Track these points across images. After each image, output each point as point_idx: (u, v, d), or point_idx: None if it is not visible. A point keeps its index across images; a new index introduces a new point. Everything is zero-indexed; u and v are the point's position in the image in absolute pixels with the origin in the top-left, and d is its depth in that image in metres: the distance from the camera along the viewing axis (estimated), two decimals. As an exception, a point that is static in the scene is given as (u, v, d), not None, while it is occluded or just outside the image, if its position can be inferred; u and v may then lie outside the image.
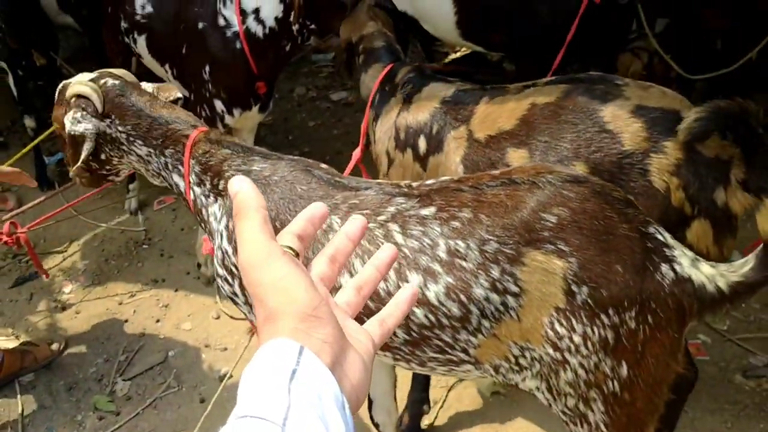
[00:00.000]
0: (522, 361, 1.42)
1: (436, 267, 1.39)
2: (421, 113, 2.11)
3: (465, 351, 1.44)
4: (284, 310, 0.60)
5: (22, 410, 2.70)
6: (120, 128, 1.79)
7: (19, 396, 2.75)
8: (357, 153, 2.38)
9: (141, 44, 3.10)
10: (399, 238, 1.43)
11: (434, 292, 1.39)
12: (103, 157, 1.86)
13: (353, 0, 2.61)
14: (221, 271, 1.67)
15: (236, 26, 2.77)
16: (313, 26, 2.76)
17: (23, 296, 3.32)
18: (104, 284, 3.33)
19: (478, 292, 1.37)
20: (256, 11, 2.75)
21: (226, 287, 1.69)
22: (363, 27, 2.48)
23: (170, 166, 1.76)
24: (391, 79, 2.29)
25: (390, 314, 0.73)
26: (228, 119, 2.97)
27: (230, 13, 2.79)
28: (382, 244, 1.41)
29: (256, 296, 0.61)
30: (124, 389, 2.75)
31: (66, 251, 3.58)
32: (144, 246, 3.56)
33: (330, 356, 0.59)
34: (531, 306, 1.35)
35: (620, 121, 1.74)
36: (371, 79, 2.37)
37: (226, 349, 2.87)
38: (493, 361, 1.45)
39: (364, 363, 0.64)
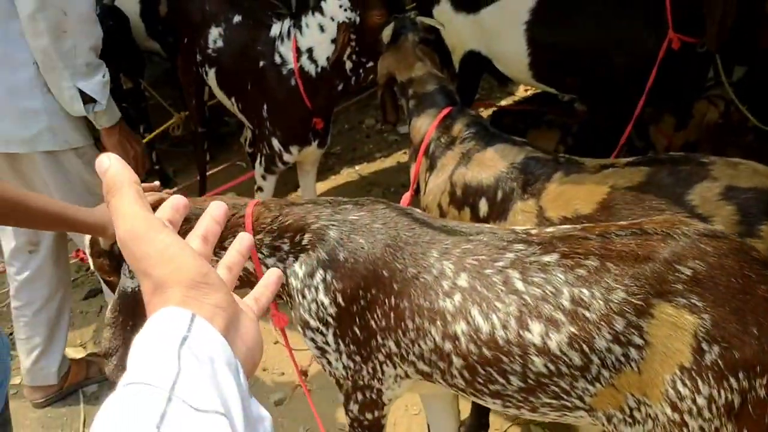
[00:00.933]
0: (636, 414, 1.37)
1: (559, 316, 1.35)
2: (485, 174, 2.01)
3: (581, 398, 1.40)
4: (172, 278, 0.59)
5: (84, 420, 2.79)
6: None
7: (82, 404, 2.85)
8: (407, 197, 2.31)
9: (211, 77, 3.24)
10: (520, 285, 1.39)
11: (556, 341, 1.35)
12: None
13: (396, 29, 2.47)
14: (314, 323, 1.61)
15: (291, 64, 2.87)
16: (371, 64, 2.82)
17: (93, 308, 3.45)
18: (170, 301, 3.42)
19: (601, 342, 1.33)
20: (310, 50, 2.84)
21: (319, 338, 1.62)
22: (411, 68, 2.35)
23: None
24: (448, 128, 2.18)
25: (262, 294, 0.75)
26: (287, 156, 3.06)
27: (286, 51, 2.89)
28: (502, 291, 1.40)
29: (140, 270, 0.60)
30: (181, 408, 2.80)
31: (135, 268, 3.70)
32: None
33: (223, 321, 0.59)
34: (653, 360, 1.30)
35: (710, 204, 1.64)
36: (424, 125, 2.26)
37: (283, 374, 2.89)
38: (607, 410, 1.40)
39: (255, 326, 0.65)
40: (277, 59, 2.91)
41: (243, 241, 0.77)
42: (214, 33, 3.16)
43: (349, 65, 2.84)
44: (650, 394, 1.32)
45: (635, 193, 1.74)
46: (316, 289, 1.58)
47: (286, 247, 1.62)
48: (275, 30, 2.97)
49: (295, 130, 3.01)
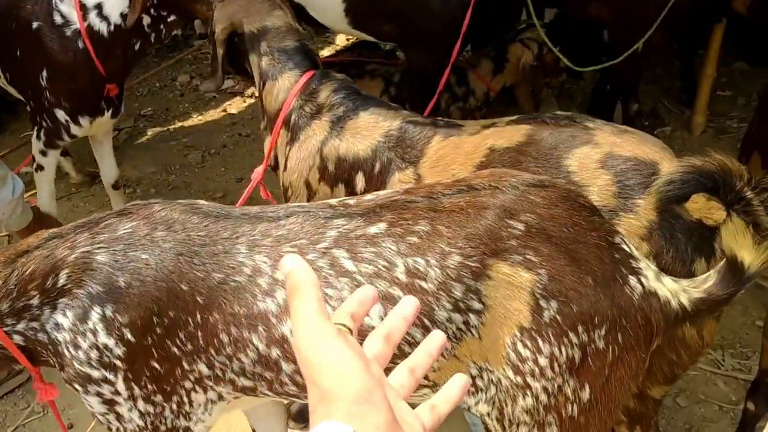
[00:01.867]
0: (479, 382, 1.31)
1: (396, 291, 1.25)
2: (360, 145, 1.83)
3: (426, 377, 1.30)
4: (338, 391, 0.60)
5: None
6: None
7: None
8: (259, 171, 2.06)
9: None
10: (349, 264, 1.27)
11: None
12: None
13: None
14: (97, 374, 1.35)
15: (76, 23, 2.54)
16: (173, 17, 2.55)
17: None
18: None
19: (442, 313, 1.24)
20: (99, 6, 2.53)
21: (106, 390, 1.36)
22: (265, 16, 2.04)
23: None
24: (313, 95, 1.95)
25: (443, 402, 0.73)
26: (75, 129, 2.75)
27: (68, 9, 2.56)
28: (330, 275, 1.26)
29: (309, 377, 0.61)
30: (-18, 416, 2.49)
31: None
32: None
33: None
34: (493, 324, 1.24)
35: (587, 171, 1.53)
36: (283, 91, 1.98)
37: (98, 367, 2.64)
38: None
39: None
40: (58, 19, 2.56)
41: (435, 339, 0.75)
42: None
43: (147, 20, 2.57)
44: (492, 359, 1.28)
45: (513, 154, 1.64)
46: (94, 332, 1.32)
47: (35, 302, 1.35)
48: None
49: (85, 99, 2.70)
